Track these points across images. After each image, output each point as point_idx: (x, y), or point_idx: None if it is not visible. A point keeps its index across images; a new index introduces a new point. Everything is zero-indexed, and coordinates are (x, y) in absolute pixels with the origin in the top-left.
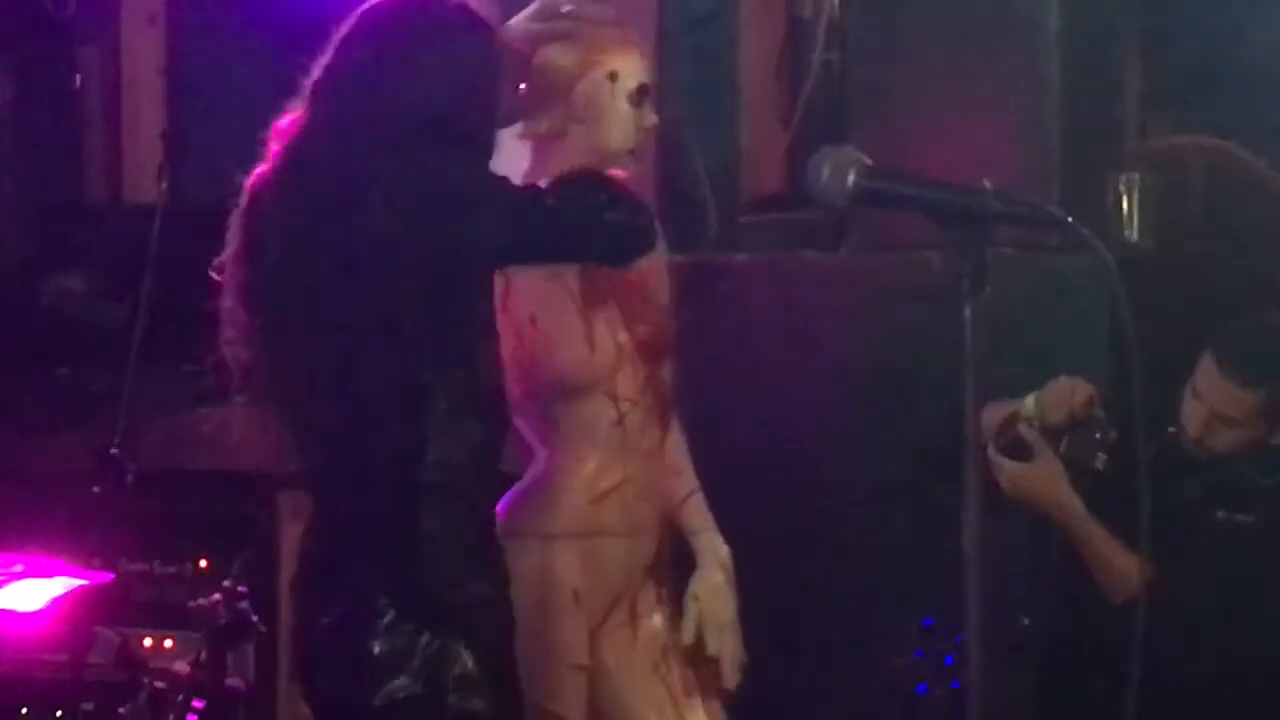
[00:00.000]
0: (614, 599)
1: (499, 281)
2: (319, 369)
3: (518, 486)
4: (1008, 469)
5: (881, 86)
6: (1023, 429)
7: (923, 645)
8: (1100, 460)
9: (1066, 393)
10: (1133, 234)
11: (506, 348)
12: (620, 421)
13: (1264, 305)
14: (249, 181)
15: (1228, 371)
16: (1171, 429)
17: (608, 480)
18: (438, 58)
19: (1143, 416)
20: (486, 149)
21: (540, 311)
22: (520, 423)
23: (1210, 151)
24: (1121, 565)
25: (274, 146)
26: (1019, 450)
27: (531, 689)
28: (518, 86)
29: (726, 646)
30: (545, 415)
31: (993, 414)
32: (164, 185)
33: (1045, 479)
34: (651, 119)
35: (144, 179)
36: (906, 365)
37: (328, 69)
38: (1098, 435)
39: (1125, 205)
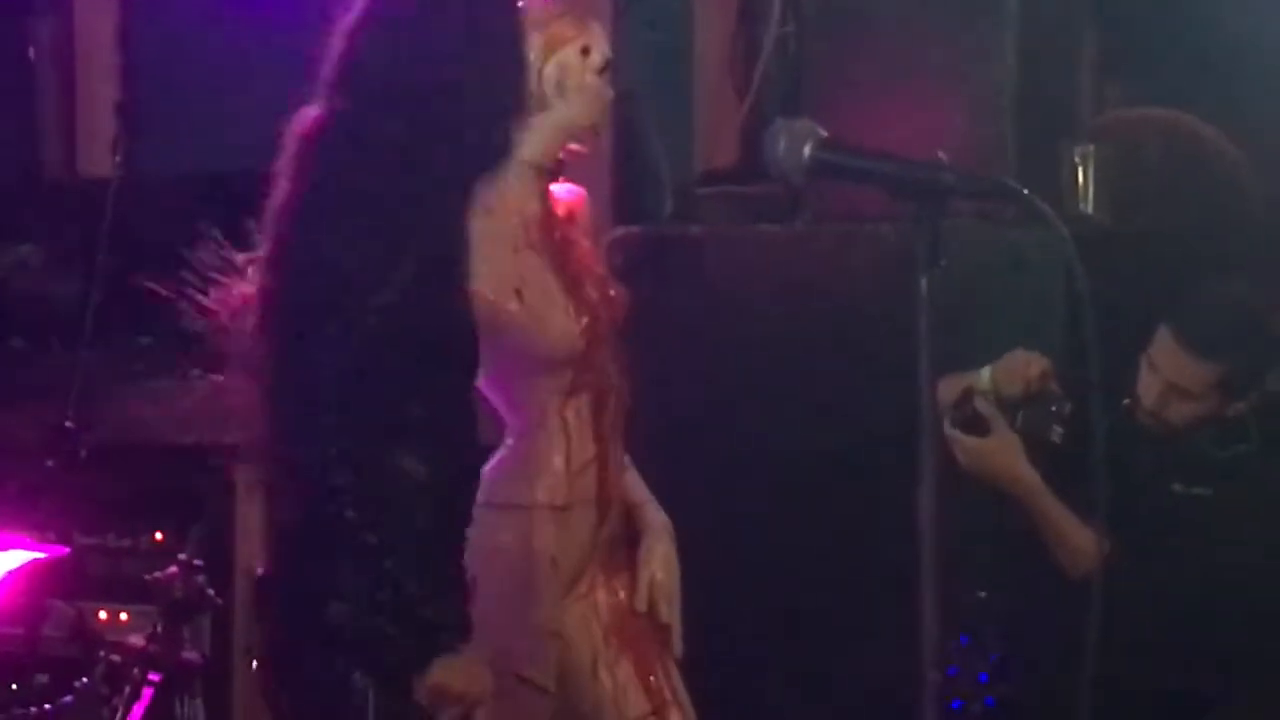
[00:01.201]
0: (581, 569)
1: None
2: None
3: (496, 458)
4: (963, 443)
5: (837, 59)
6: (978, 403)
7: (958, 663)
8: (1056, 433)
9: (1022, 366)
10: (1088, 206)
11: (484, 323)
12: (598, 394)
13: (1220, 277)
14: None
15: (1185, 344)
16: (1127, 401)
17: (588, 451)
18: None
19: (1098, 389)
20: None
21: (525, 286)
22: (496, 396)
23: (1165, 123)
24: (1078, 539)
25: (291, 147)
26: (975, 424)
27: (507, 658)
28: None
29: (676, 614)
30: (527, 387)
31: (948, 388)
32: (118, 158)
33: (1001, 453)
34: (610, 92)
35: (98, 152)
36: (861, 338)
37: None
38: (1053, 408)
39: (1080, 178)
